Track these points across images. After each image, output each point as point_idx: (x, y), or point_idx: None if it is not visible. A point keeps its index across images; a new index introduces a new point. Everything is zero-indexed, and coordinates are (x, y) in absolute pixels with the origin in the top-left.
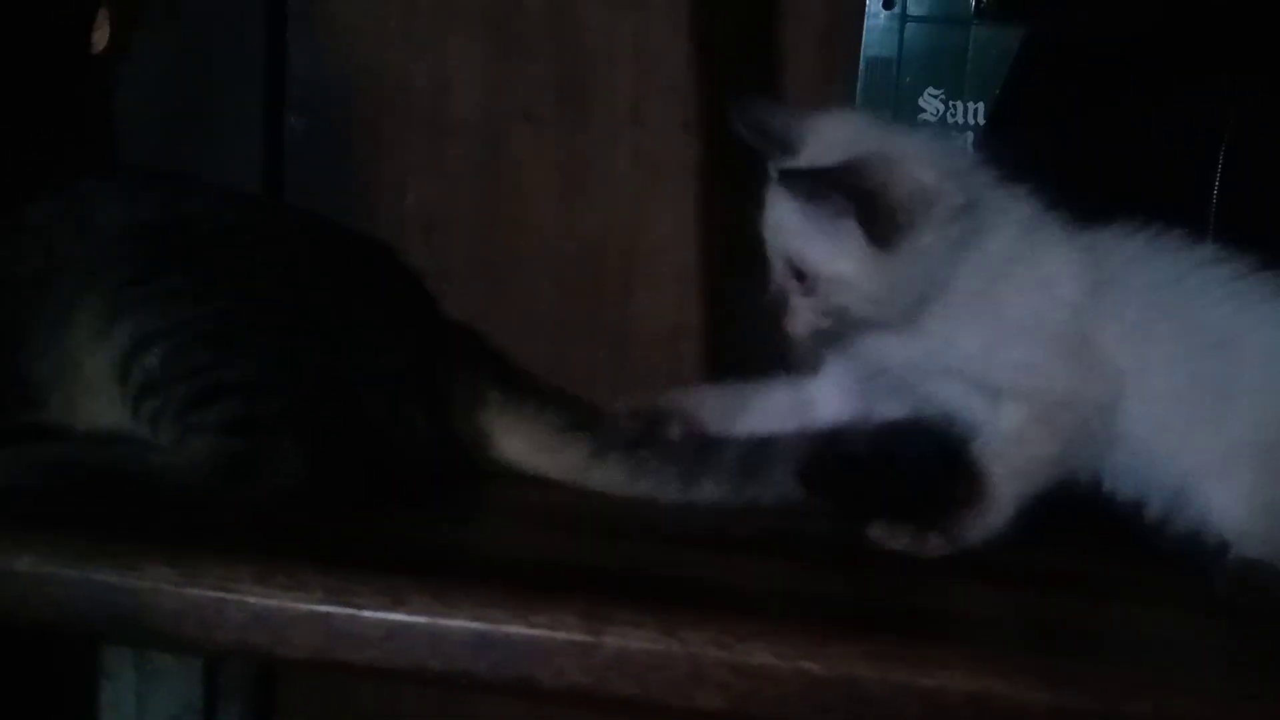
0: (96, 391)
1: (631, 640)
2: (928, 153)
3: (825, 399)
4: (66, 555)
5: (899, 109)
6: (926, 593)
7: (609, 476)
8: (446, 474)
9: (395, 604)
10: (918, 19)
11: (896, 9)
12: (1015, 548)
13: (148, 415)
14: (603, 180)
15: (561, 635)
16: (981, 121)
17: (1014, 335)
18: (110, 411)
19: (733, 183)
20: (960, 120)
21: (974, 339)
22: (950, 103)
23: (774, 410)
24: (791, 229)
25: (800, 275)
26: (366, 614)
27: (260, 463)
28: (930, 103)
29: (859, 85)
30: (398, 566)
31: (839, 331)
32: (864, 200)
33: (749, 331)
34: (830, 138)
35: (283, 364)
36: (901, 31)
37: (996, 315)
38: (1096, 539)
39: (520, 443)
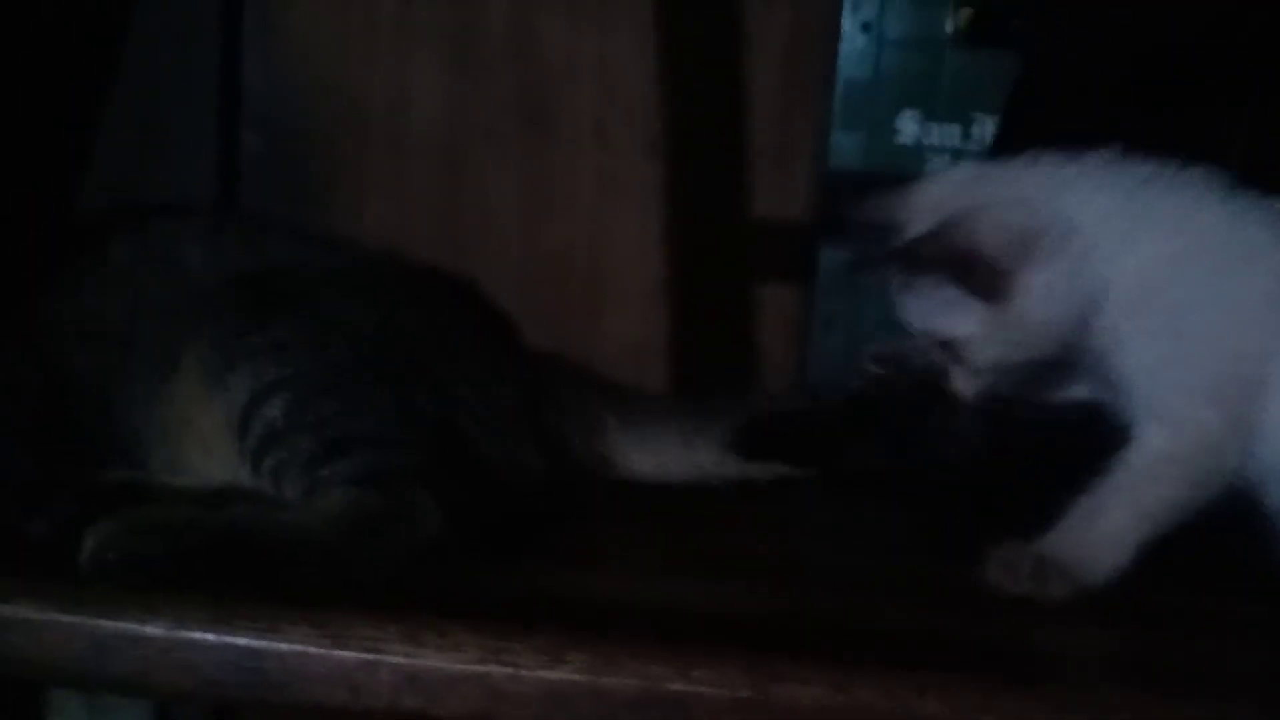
0: (209, 446)
1: (800, 696)
2: (1018, 190)
3: None
4: (200, 619)
5: (876, 131)
6: (1055, 634)
7: (741, 465)
8: (570, 509)
9: (555, 662)
10: (894, 42)
11: (873, 31)
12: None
13: (270, 469)
14: (566, 200)
15: (726, 693)
16: (958, 144)
17: (1188, 351)
18: (224, 467)
19: (698, 203)
20: (937, 142)
21: (1149, 349)
22: (926, 125)
23: None
24: (913, 305)
25: (944, 344)
26: (525, 673)
27: (397, 516)
28: (907, 124)
29: (836, 107)
30: (552, 622)
31: (1011, 381)
32: (957, 263)
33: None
34: (926, 204)
35: (404, 413)
36: (878, 54)
37: (1176, 326)
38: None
39: (648, 458)
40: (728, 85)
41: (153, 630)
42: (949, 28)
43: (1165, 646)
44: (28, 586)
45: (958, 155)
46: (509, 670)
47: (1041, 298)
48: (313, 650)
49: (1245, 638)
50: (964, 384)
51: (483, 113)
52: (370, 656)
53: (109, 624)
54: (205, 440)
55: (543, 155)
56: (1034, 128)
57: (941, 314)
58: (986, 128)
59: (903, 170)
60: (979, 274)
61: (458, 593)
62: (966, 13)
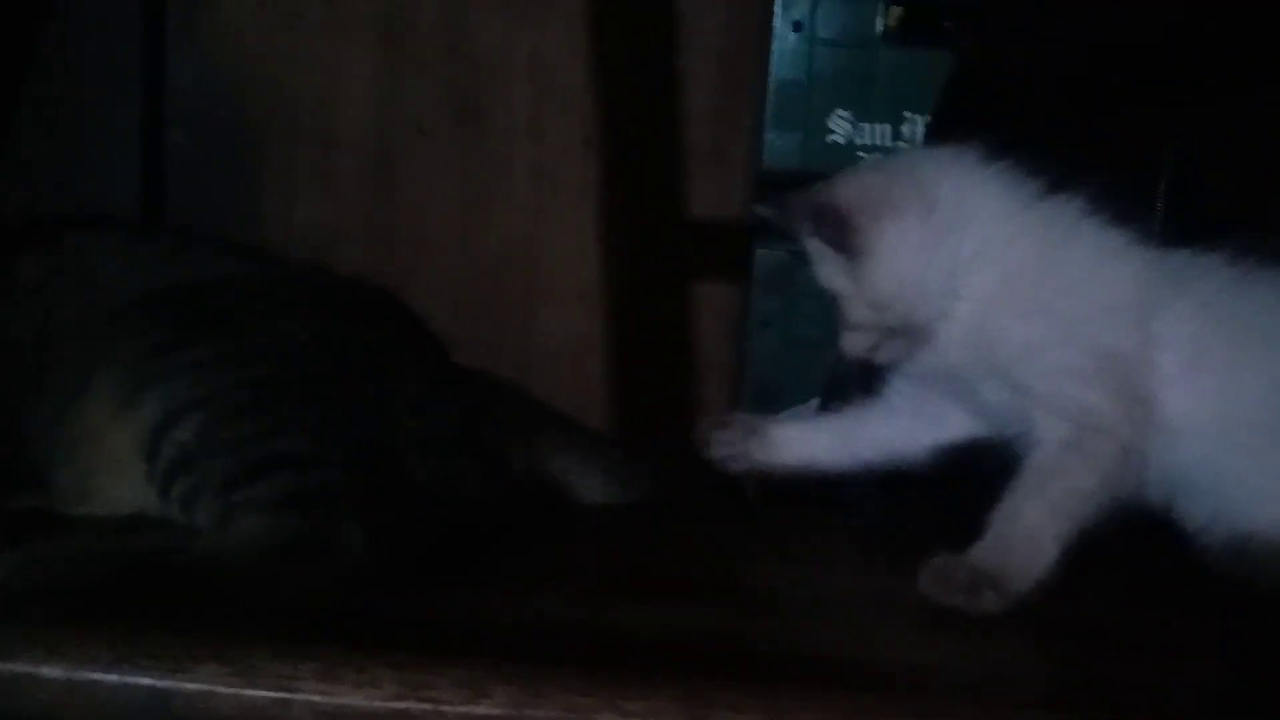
0: (118, 470)
1: None
2: (900, 161)
3: (895, 425)
4: (103, 660)
5: (809, 131)
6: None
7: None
8: (510, 530)
9: (477, 696)
10: (826, 42)
11: (805, 31)
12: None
13: (180, 494)
14: (501, 196)
15: None
16: (889, 143)
17: (1062, 334)
18: (133, 493)
19: (634, 200)
20: (868, 142)
21: (1020, 333)
22: (858, 124)
23: (850, 443)
24: (815, 264)
25: (834, 301)
26: (446, 709)
27: (318, 541)
28: (839, 124)
29: (769, 107)
30: (475, 653)
31: (891, 349)
32: (817, 215)
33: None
34: None
35: (330, 432)
36: (810, 54)
37: (1048, 309)
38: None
39: (583, 480)
40: (662, 82)
41: (53, 672)
42: (879, 28)
43: (1100, 662)
44: None
45: (889, 154)
46: (428, 707)
47: (890, 257)
48: (222, 690)
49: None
50: (847, 342)
51: (414, 108)
52: (283, 695)
53: (7, 666)
54: (115, 464)
55: (476, 151)
56: (965, 127)
57: (821, 268)
58: (917, 127)
59: (836, 170)
60: (832, 224)
61: (382, 622)
62: (896, 12)
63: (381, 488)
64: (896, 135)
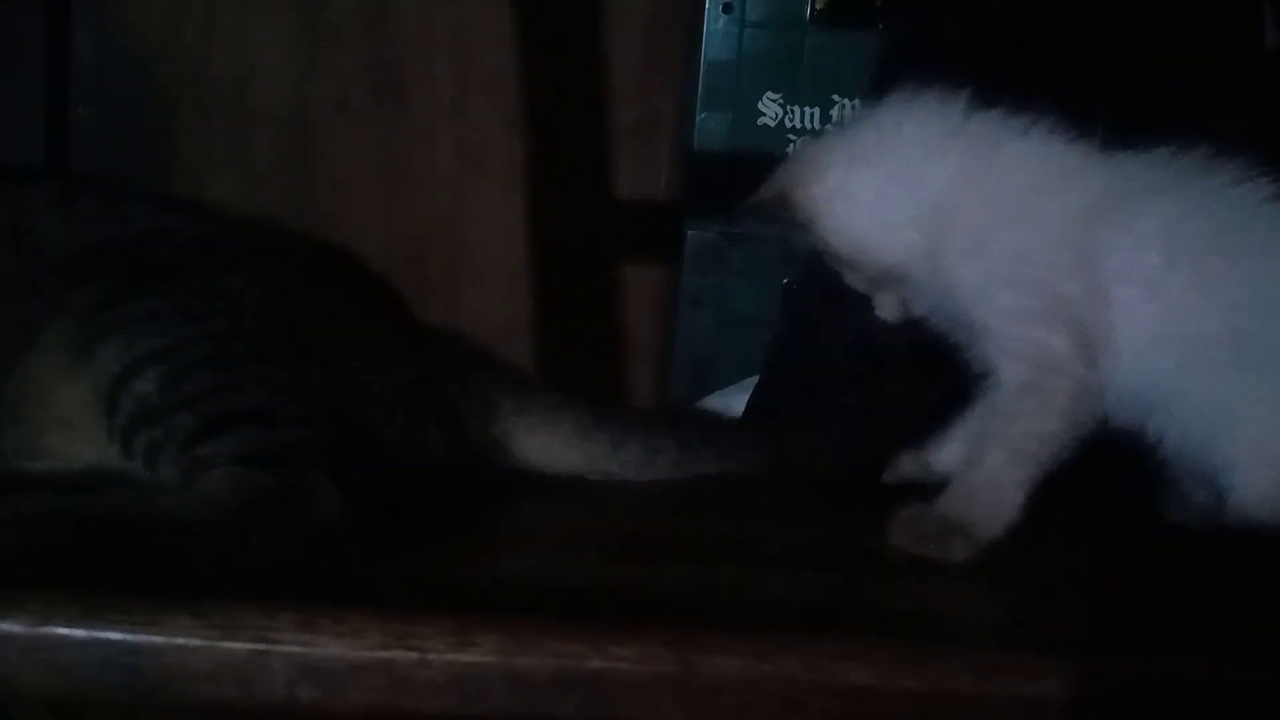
0: (72, 426)
1: (725, 669)
2: (826, 132)
3: None
4: (69, 614)
5: (738, 112)
6: (962, 596)
7: (626, 465)
8: (467, 489)
9: (464, 645)
10: (755, 24)
11: (735, 13)
12: None
13: (143, 448)
14: (424, 175)
15: (649, 669)
16: (819, 126)
17: (1009, 275)
18: (88, 448)
19: (560, 180)
20: (798, 124)
21: (969, 274)
22: (789, 107)
23: None
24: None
25: None
26: (432, 657)
27: (289, 497)
28: (769, 106)
29: (699, 88)
30: (457, 604)
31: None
32: (765, 208)
33: None
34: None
35: (293, 388)
36: (740, 36)
37: (990, 248)
38: None
39: (540, 444)
40: (588, 60)
41: (14, 627)
42: (809, 11)
43: (1060, 606)
44: None
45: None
46: (414, 655)
47: (832, 217)
48: (196, 643)
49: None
50: (879, 308)
51: (333, 84)
52: (261, 647)
53: None
54: (66, 419)
55: (398, 129)
56: None
57: (805, 248)
58: (847, 110)
59: (765, 151)
60: (777, 210)
61: (355, 578)
62: None
63: (347, 445)
64: (826, 118)
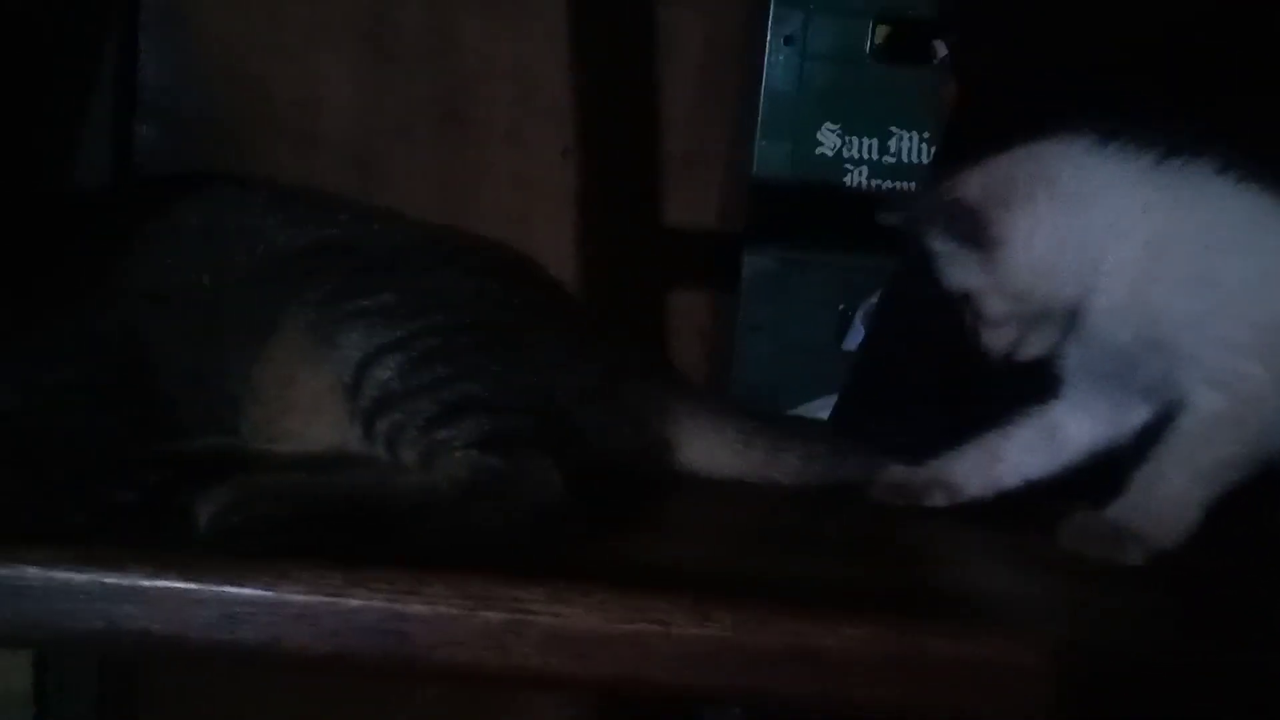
0: (312, 409)
1: (943, 650)
2: (1018, 152)
3: (1071, 420)
4: (335, 583)
5: (797, 142)
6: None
7: (785, 471)
8: (645, 484)
9: (703, 620)
10: (816, 57)
11: (796, 46)
12: None
13: (385, 432)
14: (481, 202)
15: (878, 649)
16: (876, 157)
17: (1223, 305)
18: (330, 431)
19: (613, 208)
20: (856, 155)
21: (1182, 306)
22: (847, 137)
23: (1028, 454)
24: (940, 265)
25: (966, 301)
26: (675, 631)
27: (519, 480)
28: (828, 137)
29: (759, 118)
30: (690, 583)
31: (1038, 340)
32: (946, 215)
33: None
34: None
35: (509, 380)
36: (801, 68)
37: (1206, 279)
38: None
39: (705, 447)
40: (642, 91)
41: (286, 595)
42: (868, 45)
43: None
44: (143, 554)
45: (876, 168)
46: (658, 629)
47: (1024, 243)
48: (457, 612)
49: None
50: (990, 339)
51: (396, 112)
52: (517, 617)
53: (237, 590)
54: (308, 403)
55: (457, 156)
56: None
57: (952, 269)
58: (904, 142)
59: (823, 180)
60: (962, 221)
61: (575, 558)
62: (883, 30)
63: (557, 434)
64: (884, 149)
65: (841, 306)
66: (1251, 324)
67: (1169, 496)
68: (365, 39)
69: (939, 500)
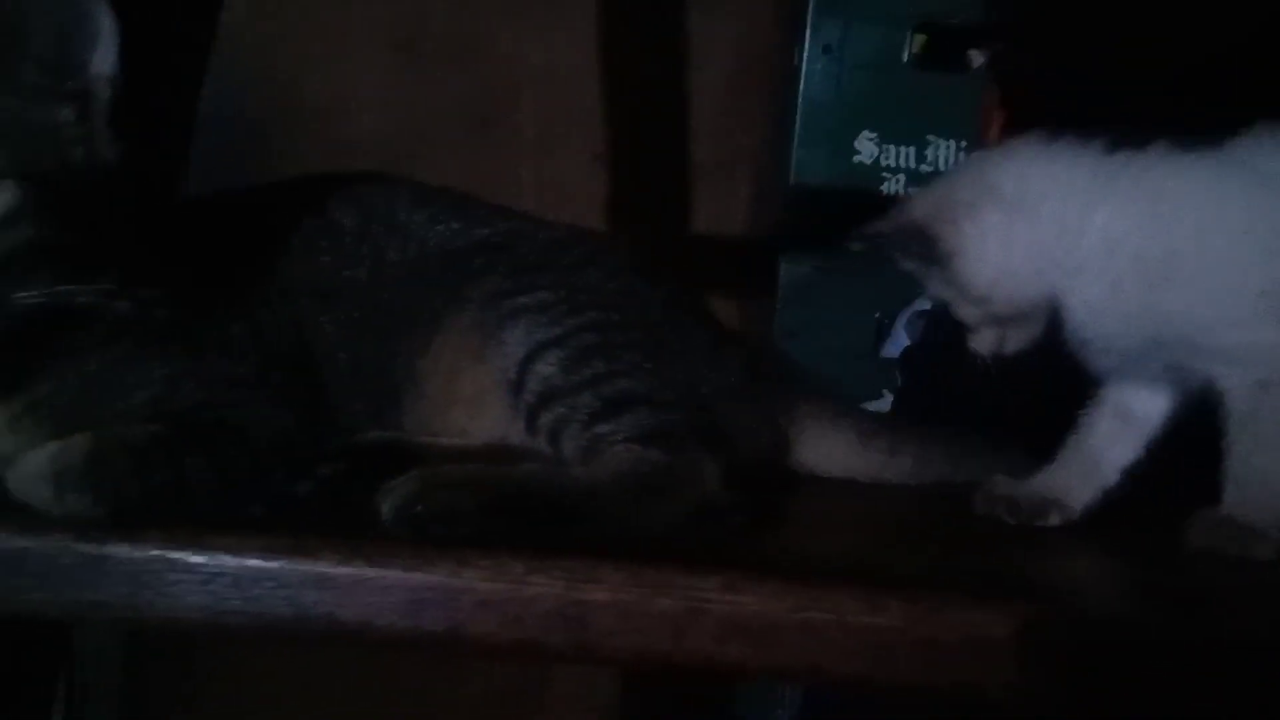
0: (475, 404)
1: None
2: (963, 164)
3: (1134, 400)
4: (516, 571)
5: (835, 149)
6: None
7: (900, 472)
8: (778, 484)
9: (875, 610)
10: (854, 65)
11: (834, 55)
12: None
13: (548, 425)
14: (510, 208)
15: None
16: (913, 165)
17: (1218, 288)
18: (493, 424)
19: (641, 215)
20: (893, 163)
21: (1178, 300)
22: (884, 145)
23: (1114, 445)
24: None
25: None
26: (850, 620)
27: (681, 474)
28: (865, 144)
29: (797, 125)
30: (853, 574)
31: (1012, 334)
32: (901, 237)
33: None
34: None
35: (663, 376)
36: (839, 76)
37: (1192, 267)
38: None
39: (826, 448)
40: (671, 99)
41: (470, 582)
42: (905, 54)
43: None
44: (332, 543)
45: (913, 175)
46: (831, 617)
47: (975, 253)
48: (634, 598)
49: None
50: (975, 343)
51: (423, 117)
52: (693, 605)
53: (423, 577)
54: (471, 398)
55: (486, 162)
56: None
57: (926, 283)
58: (940, 150)
59: (860, 188)
60: (915, 240)
61: (735, 550)
62: (921, 39)
63: (710, 430)
64: (920, 157)
65: (878, 314)
66: (1254, 293)
67: (1261, 482)
68: (397, 45)
69: (1054, 520)
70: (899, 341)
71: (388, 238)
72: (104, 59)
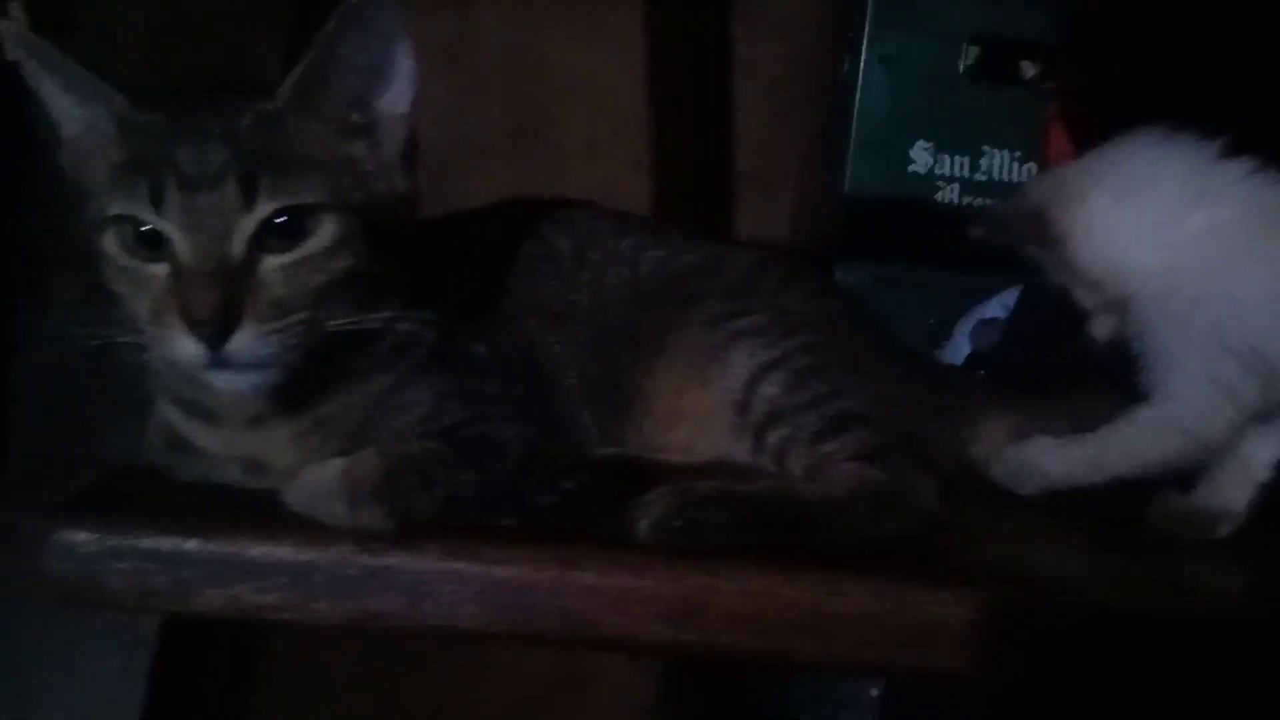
0: (701, 422)
1: None
2: (1087, 156)
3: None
4: (759, 584)
5: (890, 159)
6: None
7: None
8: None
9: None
10: (910, 75)
11: (891, 65)
12: None
13: (774, 444)
14: None
15: None
16: (968, 175)
17: None
18: (714, 442)
19: (684, 223)
20: (948, 173)
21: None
22: (939, 155)
23: (1260, 443)
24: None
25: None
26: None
27: (901, 491)
28: (920, 154)
29: (852, 135)
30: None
31: (1127, 323)
32: (1018, 221)
33: None
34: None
35: (873, 394)
36: (894, 86)
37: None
38: None
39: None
40: (715, 108)
41: (724, 594)
42: (961, 64)
43: None
44: (594, 555)
45: (967, 185)
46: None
47: (1086, 238)
48: (877, 611)
49: None
50: (1094, 328)
51: (471, 126)
52: (932, 618)
53: (678, 587)
54: (697, 417)
55: (532, 171)
56: None
57: (1047, 268)
58: (995, 160)
59: (915, 196)
60: (1029, 223)
61: (948, 561)
62: (975, 51)
63: (914, 445)
64: (975, 167)
65: (931, 321)
66: None
67: None
68: (444, 54)
69: (1223, 530)
70: (959, 349)
71: (604, 263)
72: (400, 98)
